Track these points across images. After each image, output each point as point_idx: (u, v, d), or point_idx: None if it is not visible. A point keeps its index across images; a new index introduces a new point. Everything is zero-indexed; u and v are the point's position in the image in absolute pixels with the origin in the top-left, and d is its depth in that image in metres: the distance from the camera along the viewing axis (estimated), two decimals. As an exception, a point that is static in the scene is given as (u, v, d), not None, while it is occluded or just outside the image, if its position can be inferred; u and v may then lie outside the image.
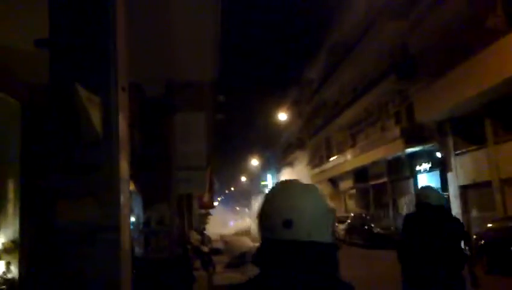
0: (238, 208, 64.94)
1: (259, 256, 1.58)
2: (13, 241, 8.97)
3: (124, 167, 4.38)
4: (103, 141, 4.20)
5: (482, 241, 11.54)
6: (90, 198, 4.15)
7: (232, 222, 52.35)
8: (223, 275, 12.75)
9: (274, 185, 1.72)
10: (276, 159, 53.31)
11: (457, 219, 4.91)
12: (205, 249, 13.59)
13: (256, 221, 1.65)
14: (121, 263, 4.21)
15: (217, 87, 12.83)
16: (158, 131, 10.66)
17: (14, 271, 8.41)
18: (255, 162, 59.46)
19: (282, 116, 41.14)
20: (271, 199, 1.61)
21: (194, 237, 13.30)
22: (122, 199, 4.29)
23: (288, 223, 1.51)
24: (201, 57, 9.63)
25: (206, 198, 27.03)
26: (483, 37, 15.70)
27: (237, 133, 52.31)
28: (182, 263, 9.47)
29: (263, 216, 1.60)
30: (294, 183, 1.67)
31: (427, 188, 4.99)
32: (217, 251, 16.32)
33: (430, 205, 4.57)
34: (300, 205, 1.55)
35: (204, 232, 19.45)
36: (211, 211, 31.19)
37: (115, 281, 4.09)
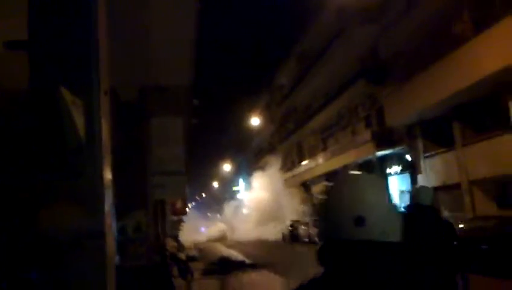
0: (209, 214, 64.52)
1: (323, 257, 1.43)
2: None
3: (108, 172, 4.30)
4: (86, 146, 4.12)
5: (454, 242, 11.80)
6: (74, 204, 4.05)
7: (204, 228, 51.92)
8: (200, 282, 12.66)
9: (338, 177, 1.58)
10: (248, 164, 53.30)
11: (448, 220, 4.90)
12: (182, 256, 13.44)
13: (318, 218, 1.53)
14: (106, 271, 4.13)
15: (192, 91, 12.72)
16: (134, 136, 10.48)
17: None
18: (227, 167, 59.32)
19: (255, 120, 41.23)
20: (337, 193, 1.42)
21: (170, 244, 13.12)
22: (106, 205, 4.20)
23: (360, 221, 1.34)
24: (177, 61, 9.55)
25: (179, 204, 26.76)
26: (451, 42, 16.18)
27: (208, 138, 52.07)
28: (160, 270, 9.33)
29: (327, 213, 1.42)
30: (363, 176, 1.51)
31: (419, 188, 5.00)
32: (192, 258, 16.17)
33: (420, 205, 4.59)
34: (372, 199, 1.37)
35: (179, 239, 19.22)
36: (183, 217, 30.87)
37: (101, 287, 4.00)
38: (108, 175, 4.33)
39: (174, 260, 12.01)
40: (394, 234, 1.36)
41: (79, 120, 4.09)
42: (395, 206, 1.42)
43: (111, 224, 4.40)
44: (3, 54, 7.12)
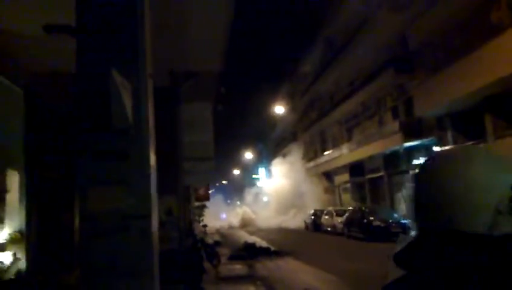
0: (229, 201, 64.93)
1: (412, 253, 1.17)
2: (19, 232, 8.85)
3: (153, 155, 4.33)
4: (133, 128, 4.15)
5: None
6: (121, 186, 4.08)
7: (224, 214, 52.28)
8: (227, 267, 12.77)
9: (432, 156, 1.23)
10: (269, 153, 53.31)
11: None
12: (210, 241, 13.56)
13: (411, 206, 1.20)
14: (153, 253, 4.17)
15: (221, 78, 12.71)
16: (164, 121, 10.55)
17: (21, 261, 8.31)
18: (248, 155, 59.41)
19: (279, 109, 41.05)
20: (433, 175, 1.16)
21: (199, 229, 13.25)
22: (152, 188, 4.23)
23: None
24: (210, 46, 9.54)
25: (202, 190, 27.02)
26: (484, 32, 15.76)
27: (230, 126, 52.17)
28: (191, 254, 9.44)
29: (421, 200, 1.17)
30: (468, 149, 1.28)
31: None
32: (218, 244, 16.30)
33: None
34: (480, 181, 1.10)
35: (206, 224, 19.40)
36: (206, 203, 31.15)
37: (147, 270, 4.04)
38: (153, 158, 4.37)
39: (203, 245, 12.13)
40: (507, 223, 1.05)
41: (127, 102, 4.11)
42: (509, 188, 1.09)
43: (156, 207, 4.44)
44: (44, 37, 7.23)
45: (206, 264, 11.44)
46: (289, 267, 13.21)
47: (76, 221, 11.51)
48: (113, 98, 3.92)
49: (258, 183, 56.29)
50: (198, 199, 27.29)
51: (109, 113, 3.97)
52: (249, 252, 15.38)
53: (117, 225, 3.95)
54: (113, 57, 4.10)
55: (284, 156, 44.56)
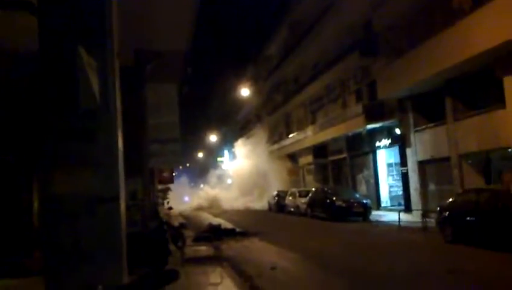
0: (192, 184, 64.56)
1: None
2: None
3: (120, 137, 4.23)
4: (100, 108, 4.03)
5: (446, 214, 12.07)
6: (88, 168, 3.98)
7: (187, 197, 51.99)
8: (191, 249, 12.74)
9: None
10: (234, 135, 53.16)
11: None
12: (175, 223, 13.49)
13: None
14: (120, 235, 4.11)
15: (187, 59, 12.52)
16: (129, 102, 10.31)
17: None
18: (213, 137, 59.09)
19: (244, 91, 40.85)
20: None
21: (163, 211, 13.14)
22: (120, 170, 4.15)
23: None
24: (176, 25, 9.35)
25: (166, 173, 26.73)
26: (446, 17, 16.14)
27: (194, 108, 51.66)
28: (156, 236, 9.35)
29: None
30: None
31: None
32: (183, 226, 16.21)
33: None
34: None
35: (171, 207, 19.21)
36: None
37: (114, 252, 3.98)
38: (120, 139, 4.27)
39: (168, 227, 12.04)
40: None
41: (94, 82, 3.99)
42: None
43: (123, 189, 4.35)
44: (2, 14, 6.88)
45: (171, 247, 11.39)
46: (255, 248, 13.33)
47: (36, 203, 11.18)
48: (80, 77, 3.79)
49: (223, 166, 56.21)
50: (162, 182, 26.98)
51: (76, 93, 3.85)
52: (214, 234, 15.39)
53: (83, 208, 3.86)
54: (79, 35, 3.94)
55: (249, 139, 44.58)
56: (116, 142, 4.10)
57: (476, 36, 13.89)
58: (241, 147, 44.47)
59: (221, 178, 52.69)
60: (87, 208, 3.87)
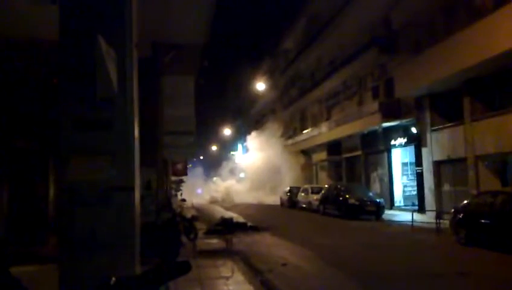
0: (206, 176, 64.81)
1: None
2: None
3: (136, 126, 4.22)
4: (118, 98, 4.03)
5: (461, 215, 11.92)
6: (105, 157, 3.98)
7: (200, 190, 52.23)
8: (203, 241, 12.80)
9: None
10: (248, 130, 53.14)
11: None
12: (188, 215, 13.54)
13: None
14: (134, 225, 4.11)
15: (204, 51, 12.50)
16: (145, 92, 10.35)
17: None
18: (227, 131, 59.16)
19: (259, 85, 40.76)
20: None
21: (177, 203, 13.20)
22: (135, 159, 4.14)
23: None
24: (194, 18, 9.33)
25: (180, 165, 26.91)
26: (468, 15, 15.89)
27: (210, 101, 51.74)
28: (169, 227, 9.40)
29: None
30: None
31: None
32: (195, 218, 16.29)
33: None
34: None
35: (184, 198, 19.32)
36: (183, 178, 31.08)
37: (128, 242, 3.98)
38: (137, 128, 4.26)
39: (181, 219, 12.10)
40: None
41: (112, 71, 3.99)
42: None
43: (138, 178, 4.35)
44: (22, 4, 6.93)
45: (183, 239, 11.45)
46: (266, 242, 13.33)
47: (51, 191, 11.29)
48: (99, 66, 3.79)
49: (236, 160, 56.25)
50: (175, 174, 27.17)
51: (94, 82, 3.85)
52: (225, 227, 15.42)
53: (99, 196, 3.87)
54: (99, 25, 3.94)
55: (263, 133, 44.48)
56: (133, 131, 4.10)
57: (498, 35, 13.64)
58: (254, 140, 44.40)
59: (233, 171, 52.71)
60: (102, 197, 3.88)
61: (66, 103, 3.98)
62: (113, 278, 3.13)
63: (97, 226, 3.82)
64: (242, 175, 50.59)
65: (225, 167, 54.26)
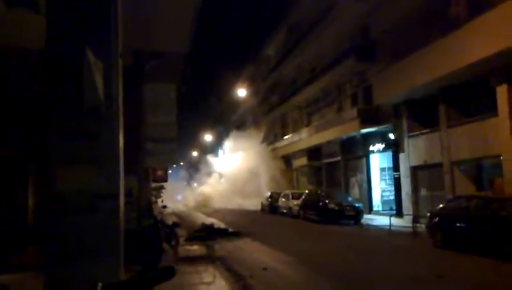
0: (185, 183, 64.54)
1: None
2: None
3: (121, 135, 4.32)
4: (104, 108, 4.13)
5: (436, 219, 12.26)
6: (91, 166, 4.08)
7: (180, 196, 52.04)
8: (184, 248, 12.84)
9: None
10: (229, 135, 53.23)
11: None
12: (169, 221, 13.57)
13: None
14: (119, 232, 4.20)
15: (187, 59, 12.61)
16: (127, 101, 10.39)
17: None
18: (208, 137, 59.11)
19: (241, 92, 40.94)
20: None
21: (158, 209, 13.22)
22: (120, 168, 4.24)
23: None
24: (177, 27, 9.44)
25: (160, 171, 26.78)
26: (444, 24, 16.36)
27: (191, 106, 51.67)
28: (151, 234, 9.44)
29: None
30: None
31: None
32: (176, 225, 16.31)
33: None
34: None
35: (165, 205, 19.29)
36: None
37: (113, 249, 4.07)
38: (122, 138, 4.36)
39: (162, 225, 12.14)
40: None
41: (99, 82, 4.09)
42: None
43: (123, 187, 4.44)
44: (6, 11, 6.94)
45: (165, 245, 11.49)
46: (247, 248, 13.44)
47: (30, 200, 11.16)
48: (86, 77, 3.89)
49: (217, 166, 56.14)
50: (156, 180, 27.03)
51: (81, 93, 3.94)
52: (207, 233, 15.49)
53: (85, 205, 3.95)
54: (86, 37, 4.04)
55: (244, 139, 44.57)
56: (118, 140, 4.20)
57: (472, 45, 14.10)
58: (233, 141, 44.48)
59: (215, 178, 52.57)
60: (89, 205, 3.96)
61: (52, 112, 4.06)
62: (100, 284, 3.23)
63: (83, 233, 3.90)
64: (223, 181, 50.59)
65: (206, 174, 54.06)
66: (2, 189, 10.40)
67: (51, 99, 4.07)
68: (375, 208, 24.27)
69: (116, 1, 4.30)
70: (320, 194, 22.30)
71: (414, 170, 19.82)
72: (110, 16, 4.21)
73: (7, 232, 9.99)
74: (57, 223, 3.90)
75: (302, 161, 33.45)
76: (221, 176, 50.98)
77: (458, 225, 11.46)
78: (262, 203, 31.70)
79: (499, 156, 14.73)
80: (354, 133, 23.89)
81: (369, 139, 23.63)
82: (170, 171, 43.02)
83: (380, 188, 24.64)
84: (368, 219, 20.81)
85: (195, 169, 62.77)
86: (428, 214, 13.16)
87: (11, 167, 10.56)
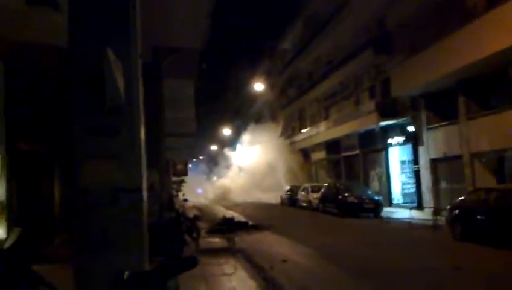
0: (205, 176, 64.94)
1: None
2: (0, 204, 8.89)
3: (142, 131, 4.51)
4: (125, 105, 4.31)
5: (456, 212, 12.22)
6: (113, 161, 4.27)
7: (200, 189, 52.40)
8: (205, 240, 13.07)
9: None
10: (247, 129, 53.39)
11: None
12: (190, 215, 13.82)
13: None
14: (142, 224, 4.40)
15: (202, 54, 12.80)
16: (148, 97, 10.63)
17: (1, 232, 8.38)
18: (226, 131, 59.37)
19: (258, 86, 41.07)
20: None
21: (179, 203, 13.48)
22: (142, 162, 4.43)
23: None
24: (193, 23, 9.61)
25: (180, 165, 27.18)
26: (460, 16, 16.17)
27: (209, 101, 52.00)
28: (173, 227, 9.67)
29: None
30: None
31: None
32: (197, 218, 16.56)
33: None
34: None
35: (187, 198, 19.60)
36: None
37: (137, 241, 4.26)
38: (142, 133, 4.55)
39: (184, 218, 12.37)
40: None
41: (120, 81, 4.27)
42: None
43: (145, 180, 4.64)
44: (27, 9, 7.19)
45: (186, 238, 11.72)
46: (267, 241, 13.62)
47: (57, 193, 11.51)
48: (107, 77, 4.07)
49: (236, 159, 56.32)
50: (176, 174, 27.44)
51: (103, 92, 4.13)
52: (227, 226, 15.68)
53: (109, 198, 4.15)
54: (107, 37, 4.22)
55: (262, 133, 44.68)
56: (139, 136, 4.38)
57: (490, 36, 13.93)
58: (250, 135, 44.65)
59: (235, 171, 52.74)
60: (112, 199, 4.16)
61: (77, 111, 4.25)
62: (126, 273, 3.43)
63: (108, 226, 4.10)
64: (242, 174, 50.76)
65: (225, 167, 54.28)
66: (30, 182, 10.78)
67: (74, 97, 4.27)
68: (395, 201, 24.17)
69: (135, 4, 4.48)
70: (340, 188, 22.33)
71: (434, 163, 19.69)
72: (129, 15, 4.39)
73: (35, 224, 10.37)
74: (83, 216, 4.12)
75: (321, 154, 33.45)
76: (240, 169, 51.21)
77: (478, 217, 11.42)
78: (281, 197, 31.85)
79: (520, 147, 14.59)
80: (372, 126, 23.79)
81: (388, 132, 23.52)
82: (190, 165, 43.54)
83: (400, 181, 24.52)
84: (388, 211, 20.77)
85: (214, 163, 63.17)
86: (449, 207, 13.11)
87: (38, 161, 10.93)
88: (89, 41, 4.25)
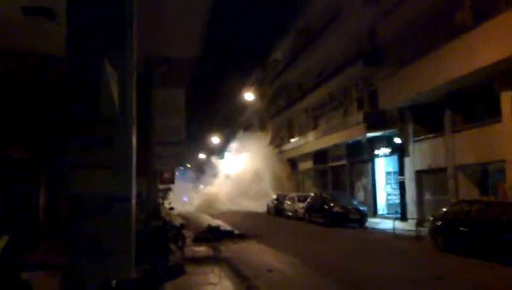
0: (192, 184, 64.67)
1: None
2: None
3: (134, 141, 4.59)
4: (119, 116, 4.39)
5: (439, 223, 12.45)
6: (106, 170, 4.34)
7: (186, 197, 52.13)
8: (191, 249, 13.09)
9: None
10: (236, 138, 53.46)
11: None
12: (176, 223, 13.83)
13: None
14: (131, 232, 4.47)
15: (196, 63, 12.88)
16: (138, 105, 10.67)
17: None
18: (215, 139, 59.36)
19: (248, 95, 41.25)
20: None
21: (165, 211, 13.49)
22: (133, 172, 4.51)
23: None
24: (187, 32, 9.70)
25: (167, 173, 27.06)
26: (449, 31, 16.53)
27: (198, 110, 51.98)
28: (159, 235, 9.69)
29: None
30: None
31: None
32: (182, 226, 16.54)
33: None
34: None
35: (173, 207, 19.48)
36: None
37: (126, 249, 4.33)
38: (134, 143, 4.63)
39: (170, 226, 12.39)
40: None
41: (115, 92, 4.36)
42: None
43: (135, 189, 4.71)
44: (23, 19, 7.24)
45: (172, 246, 11.73)
46: (253, 250, 13.68)
47: (42, 199, 11.43)
48: (103, 89, 4.15)
49: (223, 168, 56.25)
50: (163, 182, 27.26)
51: (98, 104, 4.20)
52: (213, 235, 15.71)
53: (100, 206, 4.22)
54: (103, 48, 4.30)
55: (251, 142, 44.78)
56: (131, 147, 4.46)
57: (477, 51, 14.27)
58: (239, 143, 44.71)
59: (221, 180, 52.66)
60: (103, 207, 4.23)
61: (71, 121, 4.32)
62: (114, 281, 3.50)
63: (98, 233, 4.17)
64: (229, 183, 50.68)
65: (212, 175, 54.15)
66: (14, 188, 10.72)
67: (69, 106, 4.34)
68: (380, 212, 24.39)
69: (132, 13, 4.57)
70: (326, 198, 22.49)
71: (419, 174, 19.98)
72: (126, 28, 4.48)
73: (18, 230, 10.30)
74: (74, 223, 4.18)
75: (308, 164, 33.65)
76: (226, 177, 51.14)
77: (460, 229, 11.64)
78: (268, 206, 31.88)
79: (503, 161, 14.87)
80: (359, 137, 24.05)
81: (375, 143, 23.79)
82: (177, 173, 43.16)
83: (385, 192, 24.78)
84: (372, 222, 20.97)
85: (202, 171, 62.97)
86: (431, 218, 13.34)
87: (23, 167, 10.89)
88: (86, 52, 4.32)
